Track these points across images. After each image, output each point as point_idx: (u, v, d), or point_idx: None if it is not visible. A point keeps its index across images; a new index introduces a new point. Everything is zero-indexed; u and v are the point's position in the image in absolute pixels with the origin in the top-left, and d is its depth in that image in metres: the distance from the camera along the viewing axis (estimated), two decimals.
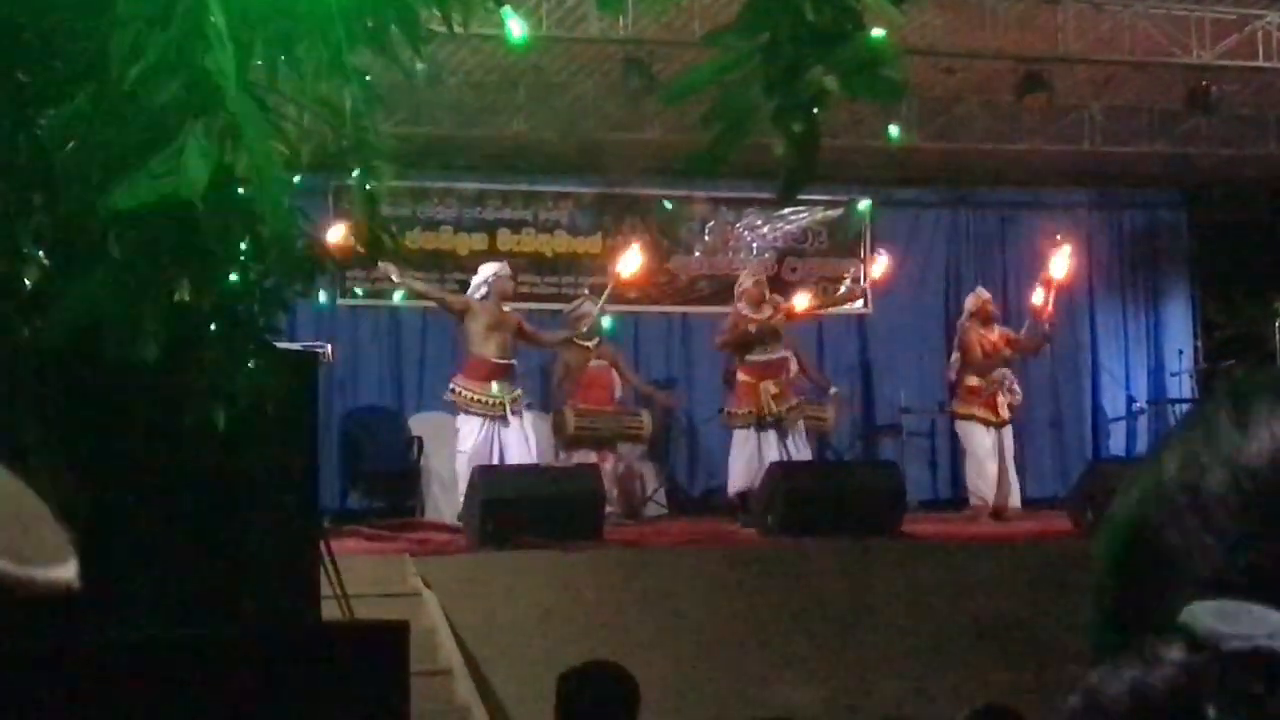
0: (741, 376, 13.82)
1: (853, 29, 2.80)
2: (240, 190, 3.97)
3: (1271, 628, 0.80)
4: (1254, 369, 0.94)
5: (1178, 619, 0.82)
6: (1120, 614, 0.89)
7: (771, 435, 13.53)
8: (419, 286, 13.75)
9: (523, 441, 12.69)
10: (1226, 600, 0.82)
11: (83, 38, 3.25)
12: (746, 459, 13.49)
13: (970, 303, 14.84)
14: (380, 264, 12.18)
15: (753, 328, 13.84)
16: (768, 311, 13.92)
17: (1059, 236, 15.25)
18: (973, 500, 14.31)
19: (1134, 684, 0.83)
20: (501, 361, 12.89)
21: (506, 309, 13.19)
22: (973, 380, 14.46)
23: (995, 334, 14.58)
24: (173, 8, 2.24)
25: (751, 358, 13.81)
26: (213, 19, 2.32)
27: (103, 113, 2.66)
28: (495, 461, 12.38)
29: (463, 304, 13.16)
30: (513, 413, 12.73)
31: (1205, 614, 0.81)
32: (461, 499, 12.08)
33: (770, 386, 13.54)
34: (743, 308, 13.96)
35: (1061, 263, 14.80)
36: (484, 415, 12.68)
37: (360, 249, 7.42)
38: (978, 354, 14.45)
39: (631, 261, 14.03)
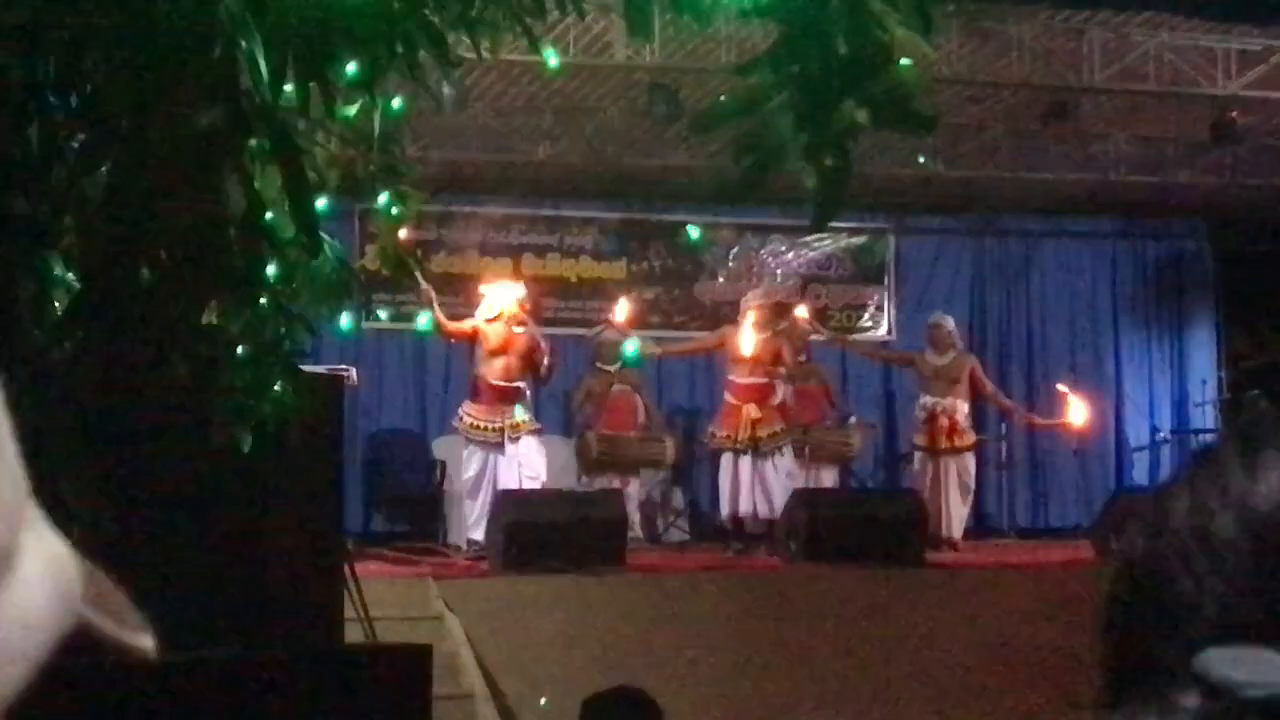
0: (726, 397, 13.74)
1: (883, 62, 2.82)
2: (269, 214, 4.01)
3: None
4: (1261, 413, 0.94)
5: (1191, 665, 0.82)
6: (1129, 657, 0.89)
7: (748, 460, 13.32)
8: (449, 326, 13.38)
9: (513, 469, 12.33)
10: (1240, 646, 0.81)
11: (118, 60, 3.28)
12: (729, 482, 13.40)
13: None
14: (423, 285, 11.99)
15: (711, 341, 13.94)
16: (765, 335, 13.62)
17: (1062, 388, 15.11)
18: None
19: None
20: (502, 384, 12.56)
21: (519, 331, 12.76)
22: (919, 407, 14.47)
23: (947, 359, 14.44)
24: (211, 37, 2.27)
25: (735, 379, 13.65)
26: (249, 49, 2.34)
27: (137, 136, 2.68)
28: (486, 489, 12.22)
29: (471, 331, 12.82)
30: (511, 439, 12.41)
31: (1220, 661, 0.81)
32: (466, 524, 12.20)
33: (752, 410, 13.33)
34: (729, 330, 13.87)
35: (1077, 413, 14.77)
36: (481, 444, 12.46)
37: (385, 272, 7.47)
38: (920, 377, 14.48)
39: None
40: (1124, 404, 17.69)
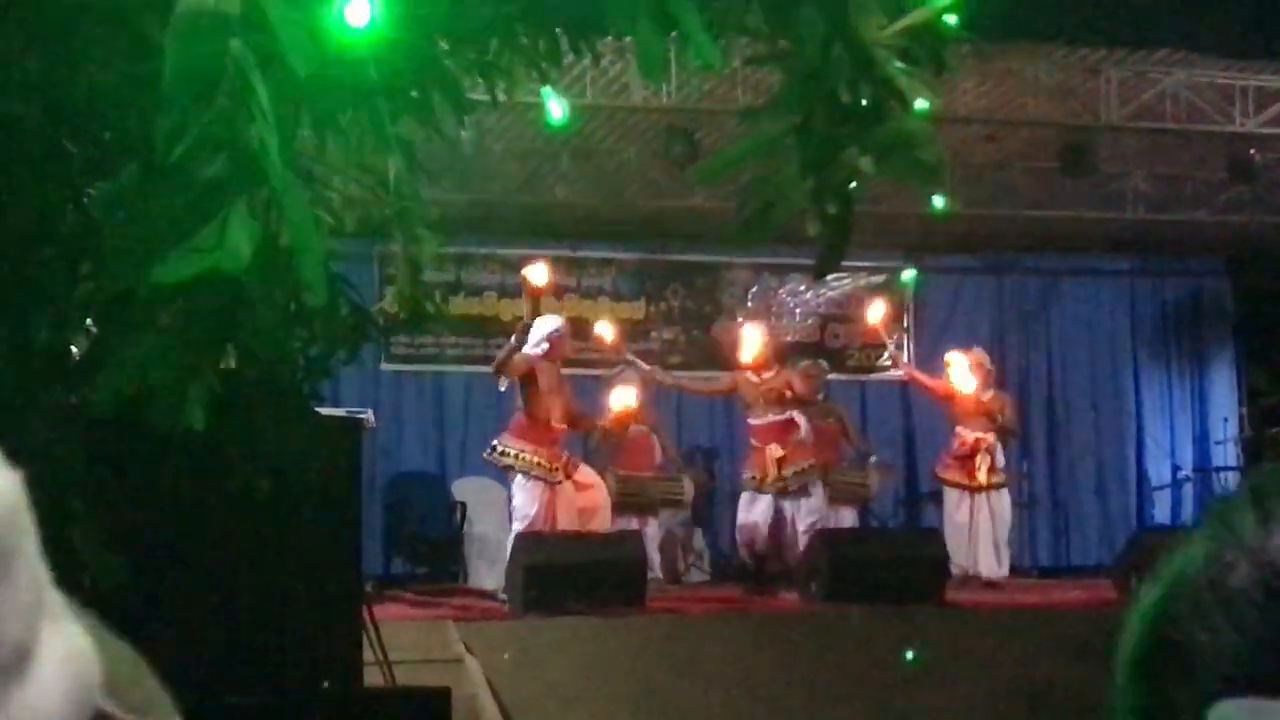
0: (751, 441, 13.75)
1: (887, 110, 2.82)
2: (285, 260, 4.01)
3: None
4: (1275, 464, 0.94)
5: (1206, 717, 0.82)
6: (1145, 711, 0.89)
7: (774, 501, 13.33)
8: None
9: (571, 507, 12.18)
10: (1257, 699, 0.82)
11: (131, 109, 3.29)
12: (746, 522, 13.44)
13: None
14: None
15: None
16: (771, 374, 13.63)
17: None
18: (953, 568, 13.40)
19: None
20: (560, 426, 12.39)
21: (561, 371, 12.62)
22: (955, 441, 14.43)
23: (988, 395, 14.43)
24: (217, 84, 2.28)
25: (754, 421, 13.67)
26: (256, 94, 2.35)
27: (150, 185, 2.70)
28: (546, 528, 12.02)
29: (525, 364, 12.36)
30: (566, 476, 12.28)
31: (1237, 713, 0.81)
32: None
33: (775, 450, 13.34)
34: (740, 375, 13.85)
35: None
36: (544, 480, 12.17)
37: (403, 315, 7.47)
38: (960, 411, 14.43)
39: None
40: (1145, 442, 17.65)
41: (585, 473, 12.56)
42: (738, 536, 13.65)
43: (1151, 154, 14.88)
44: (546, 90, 5.16)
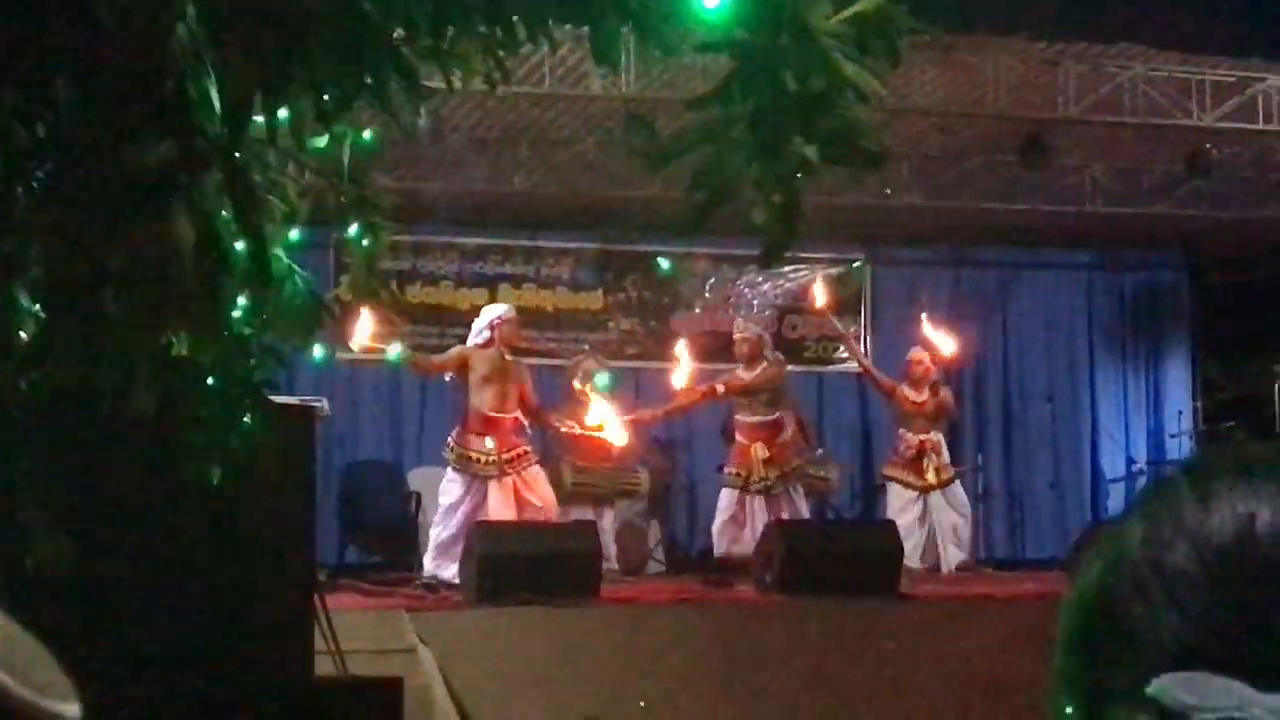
0: (737, 436, 13.63)
1: (832, 99, 2.81)
2: (237, 246, 3.98)
3: (1238, 700, 0.81)
4: (1215, 445, 0.96)
5: (1145, 691, 0.84)
6: (1086, 686, 0.91)
7: (759, 500, 13.22)
8: (417, 362, 13.00)
9: (507, 504, 12.04)
10: (1193, 673, 0.84)
11: (82, 92, 3.26)
12: (724, 521, 13.31)
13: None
14: (356, 343, 11.49)
15: (720, 387, 13.57)
16: (760, 368, 13.55)
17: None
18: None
19: None
20: (498, 415, 12.25)
21: (511, 358, 12.51)
22: (900, 442, 14.47)
23: (924, 396, 14.46)
24: (164, 70, 2.25)
25: (741, 418, 13.58)
26: (202, 83, 2.33)
27: (99, 168, 2.67)
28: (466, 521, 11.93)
29: (458, 358, 12.46)
30: (505, 473, 12.12)
31: (1173, 686, 0.83)
32: (432, 554, 12.04)
33: (760, 450, 13.27)
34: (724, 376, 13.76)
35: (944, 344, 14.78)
36: (470, 474, 12.12)
37: (359, 303, 7.45)
38: (901, 413, 14.47)
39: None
40: (1100, 435, 17.73)
41: (534, 475, 12.45)
42: (714, 533, 13.57)
43: (1109, 147, 14.93)
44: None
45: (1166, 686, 0.83)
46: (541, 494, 12.33)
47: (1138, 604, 0.89)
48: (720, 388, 13.60)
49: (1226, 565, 0.87)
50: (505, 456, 12.18)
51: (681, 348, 13.85)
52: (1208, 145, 14.07)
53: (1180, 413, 17.73)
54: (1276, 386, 17.00)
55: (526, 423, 12.61)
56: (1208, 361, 18.19)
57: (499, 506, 12.07)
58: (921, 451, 14.25)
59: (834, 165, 2.86)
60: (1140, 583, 0.89)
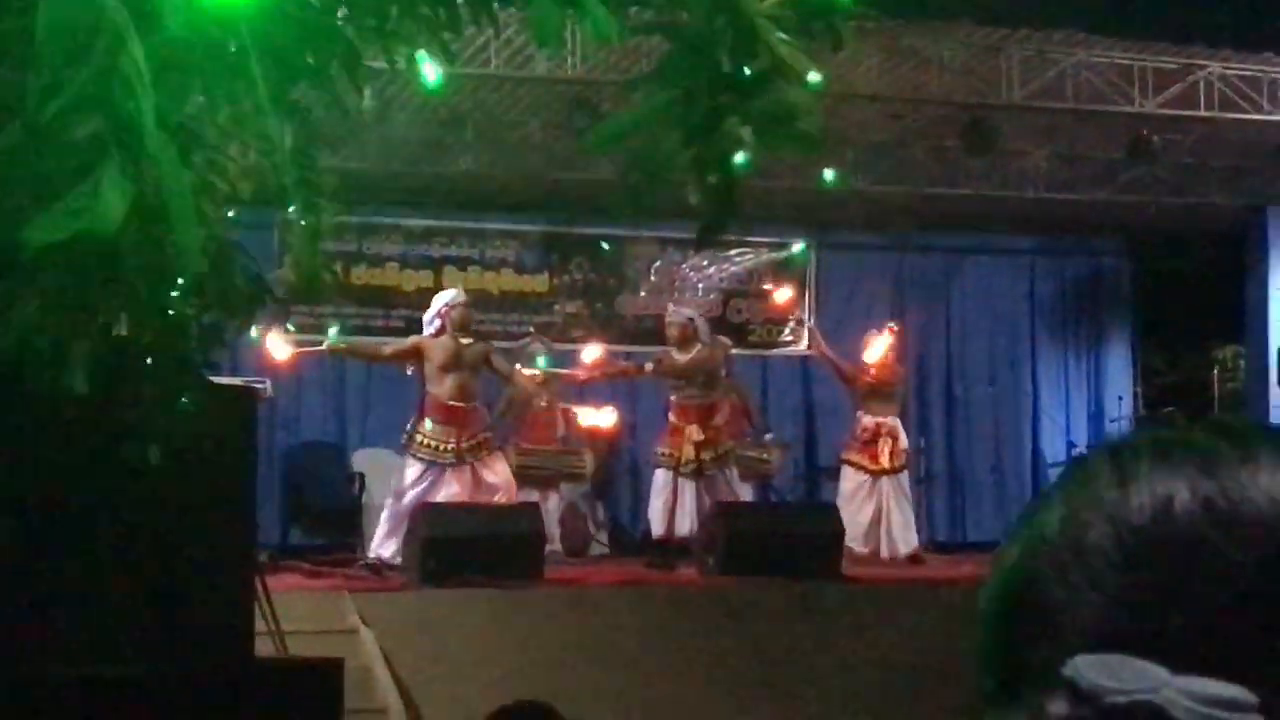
0: (671, 417, 13.56)
1: (768, 81, 2.83)
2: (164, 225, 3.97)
3: (1153, 682, 0.81)
4: (1138, 427, 0.97)
5: (1061, 672, 0.84)
6: (1005, 666, 0.90)
7: (689, 483, 13.16)
8: (356, 349, 13.15)
9: (463, 490, 12.01)
10: (1109, 654, 0.83)
11: (4, 64, 3.24)
12: (661, 503, 13.24)
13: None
14: (280, 357, 11.58)
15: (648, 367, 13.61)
16: (694, 351, 13.45)
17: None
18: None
19: None
20: (458, 404, 12.15)
21: (467, 342, 12.39)
22: (857, 424, 14.54)
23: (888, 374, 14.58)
24: (91, 45, 2.25)
25: (677, 399, 13.50)
26: (131, 58, 2.32)
27: (31, 144, 2.66)
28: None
29: (413, 348, 12.38)
30: (464, 461, 12.06)
31: (1088, 667, 0.83)
32: (380, 535, 12.03)
33: (695, 432, 13.18)
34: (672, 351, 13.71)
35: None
36: (428, 461, 12.07)
37: (301, 284, 7.43)
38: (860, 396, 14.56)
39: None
40: (1041, 419, 17.83)
41: (494, 459, 12.41)
42: (650, 515, 13.57)
43: (1052, 133, 15.00)
44: (421, 55, 5.09)
45: (1081, 668, 0.83)
46: (501, 474, 12.30)
47: (1056, 585, 0.88)
48: (649, 366, 13.59)
49: (1144, 546, 0.87)
50: (466, 445, 12.15)
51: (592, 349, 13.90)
52: (1149, 131, 14.15)
53: (1121, 397, 17.85)
54: (1216, 371, 17.18)
55: (510, 394, 12.60)
56: (1148, 347, 18.32)
57: (456, 493, 12.03)
58: (878, 434, 14.32)
59: (770, 148, 2.88)
60: (1059, 563, 0.89)
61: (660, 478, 13.44)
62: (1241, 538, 0.85)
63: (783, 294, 15.22)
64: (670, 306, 14.49)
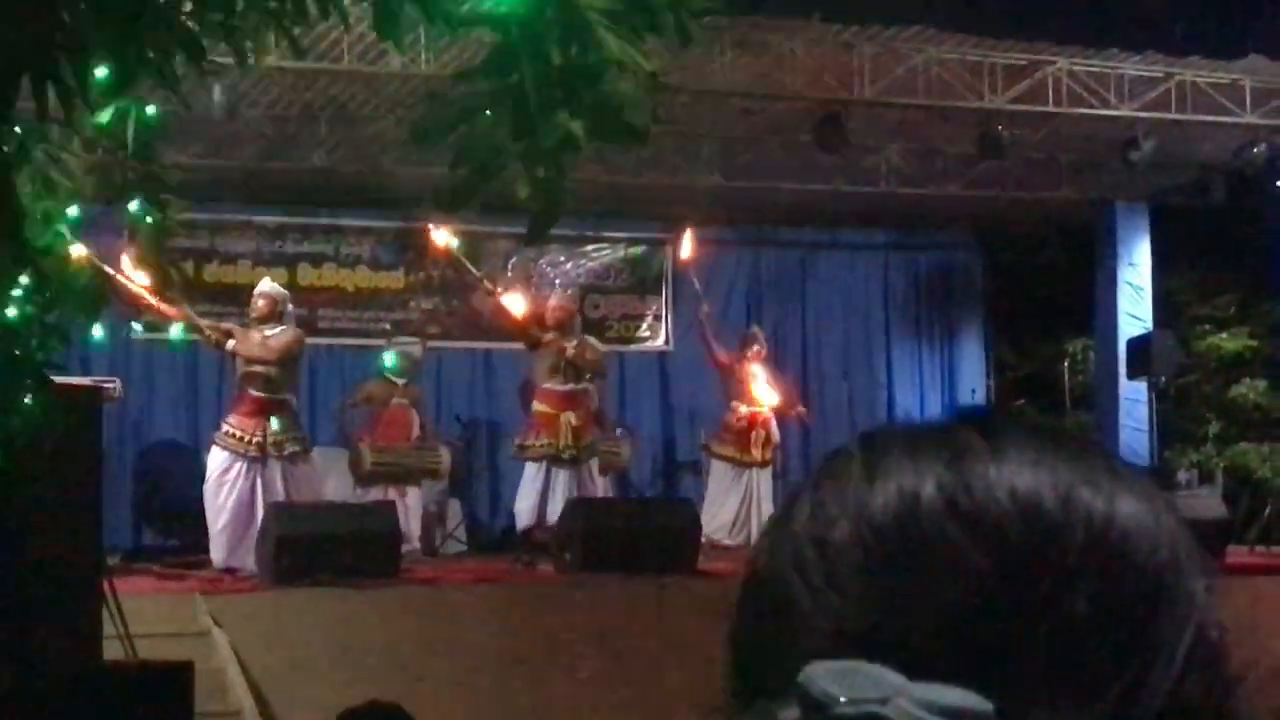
0: (538, 406, 13.49)
1: (598, 74, 2.82)
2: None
3: (886, 690, 0.76)
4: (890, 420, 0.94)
5: (798, 680, 0.78)
6: (750, 667, 0.86)
7: (565, 472, 13.20)
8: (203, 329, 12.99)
9: (279, 486, 11.94)
10: (845, 660, 0.78)
11: None
12: (536, 494, 13.19)
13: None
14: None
15: (547, 340, 13.47)
16: (573, 343, 13.52)
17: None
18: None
19: None
20: (263, 396, 12.11)
21: (270, 333, 12.35)
22: (731, 414, 14.64)
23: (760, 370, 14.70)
24: None
25: (551, 386, 13.48)
26: None
27: None
28: (239, 504, 11.86)
29: (221, 337, 12.30)
30: (273, 456, 12.00)
31: (820, 675, 0.77)
32: (222, 549, 11.86)
33: (571, 418, 13.24)
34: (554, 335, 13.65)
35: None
36: (234, 452, 11.96)
37: (145, 282, 7.32)
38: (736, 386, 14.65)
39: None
40: (895, 412, 17.97)
41: (305, 473, 12.32)
42: (517, 509, 13.46)
43: (903, 129, 15.14)
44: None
45: (813, 675, 0.77)
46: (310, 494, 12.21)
47: (798, 583, 0.84)
48: (551, 339, 13.48)
49: (886, 545, 0.82)
50: (272, 440, 12.04)
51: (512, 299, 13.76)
52: (999, 126, 14.31)
53: (974, 390, 18.06)
54: (1066, 365, 17.42)
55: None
56: (1000, 340, 18.56)
57: (274, 492, 11.96)
58: (752, 425, 14.42)
59: (599, 141, 2.87)
60: (801, 561, 0.84)
61: (531, 470, 13.38)
62: (984, 538, 0.81)
63: (685, 248, 15.03)
64: (558, 291, 14.61)
